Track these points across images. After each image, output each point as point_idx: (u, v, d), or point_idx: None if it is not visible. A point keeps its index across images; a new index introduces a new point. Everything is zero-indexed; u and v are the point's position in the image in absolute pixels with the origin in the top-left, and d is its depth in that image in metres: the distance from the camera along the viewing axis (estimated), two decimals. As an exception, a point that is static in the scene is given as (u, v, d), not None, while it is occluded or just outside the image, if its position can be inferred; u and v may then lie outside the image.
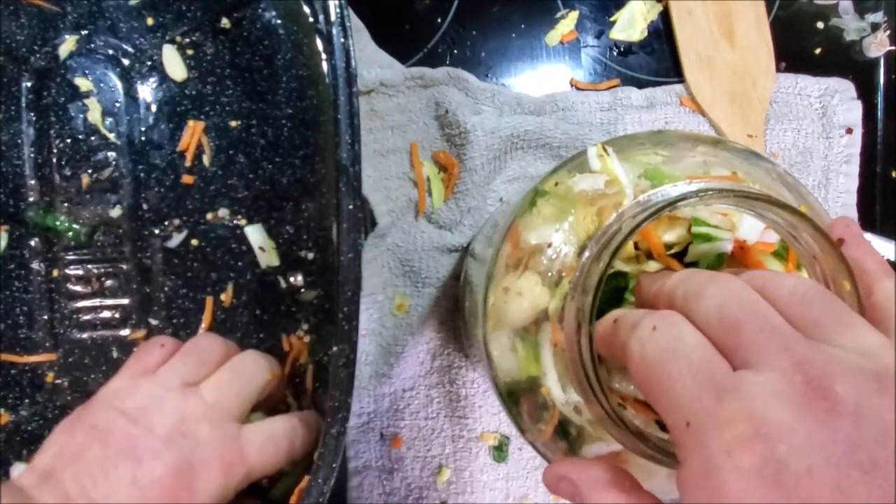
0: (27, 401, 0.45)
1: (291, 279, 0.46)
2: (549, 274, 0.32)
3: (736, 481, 0.19)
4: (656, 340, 0.24)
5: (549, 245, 0.32)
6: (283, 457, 0.39)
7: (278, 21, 0.45)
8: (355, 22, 0.51)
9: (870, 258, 0.27)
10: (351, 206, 0.42)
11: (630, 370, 0.24)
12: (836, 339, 0.22)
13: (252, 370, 0.41)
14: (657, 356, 0.23)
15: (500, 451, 0.53)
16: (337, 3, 0.42)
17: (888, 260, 0.54)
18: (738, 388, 0.21)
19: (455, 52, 0.54)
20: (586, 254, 0.29)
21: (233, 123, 0.46)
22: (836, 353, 0.21)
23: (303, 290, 0.46)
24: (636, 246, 0.33)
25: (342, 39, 0.42)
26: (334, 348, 0.43)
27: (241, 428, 0.39)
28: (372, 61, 0.52)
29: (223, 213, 0.46)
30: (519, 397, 0.34)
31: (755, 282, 0.24)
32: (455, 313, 0.52)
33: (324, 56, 0.43)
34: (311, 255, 0.46)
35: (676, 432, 0.22)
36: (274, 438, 0.39)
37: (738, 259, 0.32)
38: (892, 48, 0.57)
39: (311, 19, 0.44)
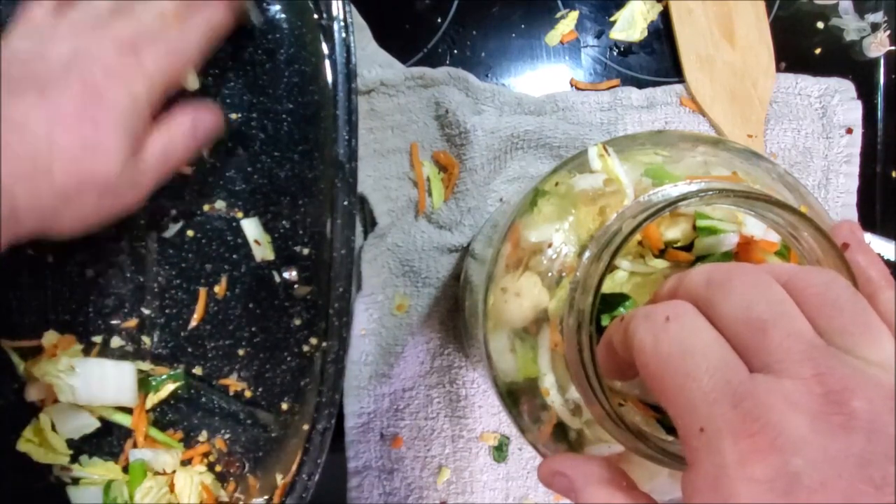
0: (16, 385, 0.45)
1: (286, 274, 0.46)
2: (550, 274, 0.32)
3: (747, 492, 0.19)
4: (670, 333, 0.23)
5: (550, 245, 0.32)
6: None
7: (282, 15, 0.45)
8: (358, 20, 0.51)
9: (873, 266, 0.27)
10: (346, 203, 0.42)
11: (639, 363, 0.24)
12: (859, 349, 0.21)
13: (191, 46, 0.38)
14: (672, 351, 0.22)
15: (500, 451, 0.53)
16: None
17: (888, 260, 0.54)
18: (755, 395, 0.20)
19: (455, 52, 0.54)
20: (587, 254, 0.29)
21: (233, 116, 0.46)
22: (858, 365, 0.21)
23: (297, 285, 0.46)
24: (640, 243, 0.33)
25: (343, 35, 0.42)
26: (323, 344, 0.43)
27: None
28: (373, 61, 0.52)
29: (220, 205, 0.46)
30: (519, 397, 0.34)
31: (780, 275, 0.24)
32: (455, 313, 0.52)
33: (325, 52, 0.43)
34: (306, 251, 0.46)
35: (687, 435, 0.22)
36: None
37: (741, 258, 0.32)
38: (892, 48, 0.57)
39: (314, 15, 0.44)
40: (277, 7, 0.45)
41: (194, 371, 0.46)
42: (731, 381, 0.21)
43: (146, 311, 0.46)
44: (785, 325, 0.22)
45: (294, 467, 0.43)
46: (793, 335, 0.21)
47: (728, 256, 0.32)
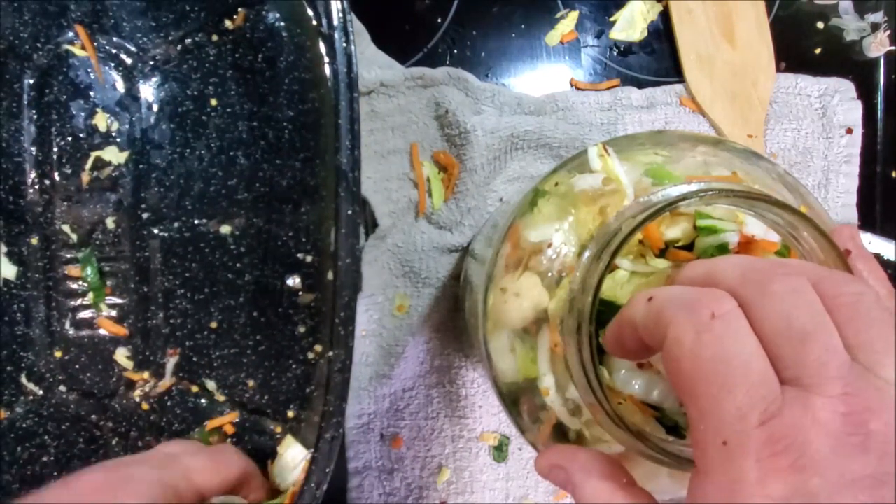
0: (22, 398, 0.45)
1: (289, 281, 0.46)
2: (550, 274, 0.32)
3: None
4: (714, 334, 0.22)
5: (550, 245, 0.32)
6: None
7: (282, 23, 0.45)
8: (356, 24, 0.51)
9: (873, 276, 0.27)
10: (350, 212, 0.42)
11: (669, 355, 0.23)
12: (881, 368, 0.21)
13: (230, 458, 0.40)
14: (712, 356, 0.22)
15: (500, 451, 0.53)
16: (340, 7, 0.42)
17: (888, 260, 0.54)
18: (784, 414, 0.20)
19: (455, 52, 0.54)
20: (587, 254, 0.29)
21: (234, 124, 0.46)
22: (882, 386, 0.21)
23: (300, 292, 0.46)
24: (641, 243, 0.33)
25: (344, 44, 0.42)
26: (329, 353, 0.43)
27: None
28: (372, 62, 0.52)
29: (223, 213, 0.46)
30: (518, 397, 0.34)
31: (809, 275, 0.23)
32: (455, 313, 0.52)
33: (326, 60, 0.43)
34: (309, 258, 0.46)
35: (705, 443, 0.21)
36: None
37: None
38: (892, 48, 0.57)
39: (314, 22, 0.44)
40: (277, 15, 0.45)
41: (200, 380, 0.46)
42: (766, 398, 0.21)
43: (151, 322, 0.46)
44: (824, 340, 0.21)
45: (302, 476, 0.43)
46: (829, 350, 0.21)
47: (726, 251, 0.32)
